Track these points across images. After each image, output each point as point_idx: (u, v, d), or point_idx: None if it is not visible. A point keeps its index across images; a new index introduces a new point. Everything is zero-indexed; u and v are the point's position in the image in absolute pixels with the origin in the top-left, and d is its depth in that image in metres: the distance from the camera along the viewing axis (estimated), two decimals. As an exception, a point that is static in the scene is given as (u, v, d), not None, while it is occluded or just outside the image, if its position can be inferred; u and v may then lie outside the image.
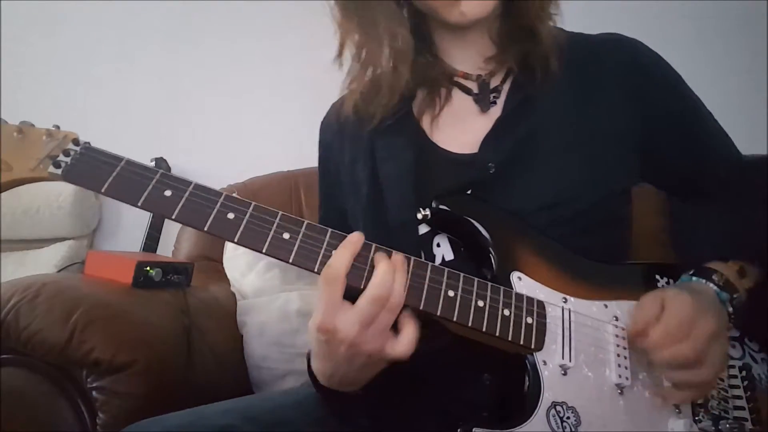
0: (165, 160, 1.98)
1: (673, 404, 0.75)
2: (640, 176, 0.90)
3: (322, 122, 1.00)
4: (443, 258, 0.82)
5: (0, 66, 2.12)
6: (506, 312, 0.71)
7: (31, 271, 1.84)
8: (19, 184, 0.67)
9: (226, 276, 1.57)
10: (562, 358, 0.72)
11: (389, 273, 0.66)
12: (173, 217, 0.66)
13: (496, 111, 0.86)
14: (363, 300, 0.65)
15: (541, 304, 0.74)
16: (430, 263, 0.71)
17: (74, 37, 2.19)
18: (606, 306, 0.78)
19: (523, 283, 0.75)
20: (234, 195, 0.69)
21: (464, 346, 0.73)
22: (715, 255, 0.80)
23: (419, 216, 0.78)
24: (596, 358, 0.74)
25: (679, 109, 0.87)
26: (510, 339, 0.71)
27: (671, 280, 0.83)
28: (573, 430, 0.70)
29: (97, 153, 0.68)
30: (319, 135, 1.00)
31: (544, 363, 0.72)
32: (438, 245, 0.82)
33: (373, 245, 0.69)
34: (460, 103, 0.88)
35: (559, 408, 0.71)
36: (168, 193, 0.67)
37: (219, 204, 0.67)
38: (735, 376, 0.79)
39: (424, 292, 0.69)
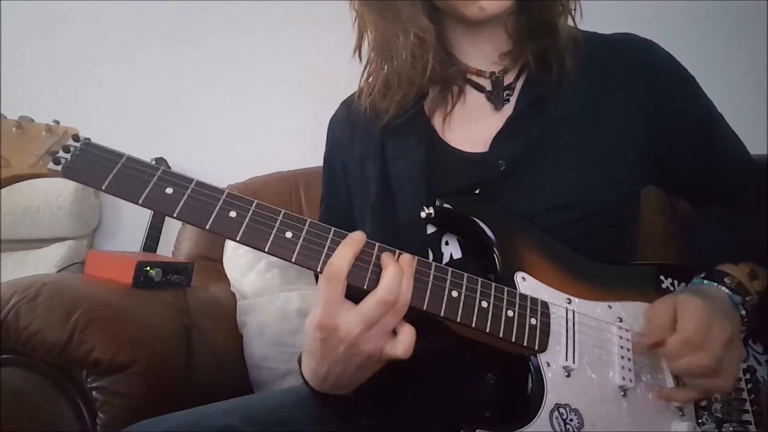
0: (165, 160, 1.97)
1: (676, 406, 0.74)
2: (652, 179, 0.90)
3: (332, 119, 1.00)
4: (451, 256, 0.81)
5: (0, 66, 2.11)
6: (510, 313, 0.71)
7: (31, 271, 1.84)
8: (18, 181, 0.66)
9: (226, 276, 1.57)
10: (566, 359, 0.72)
11: (398, 277, 0.65)
12: (174, 215, 0.65)
13: (508, 109, 0.85)
14: (371, 301, 0.65)
15: (545, 305, 0.74)
16: (434, 263, 0.71)
17: (74, 37, 2.18)
18: (610, 307, 0.77)
19: (527, 284, 0.75)
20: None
21: (467, 346, 0.73)
22: (726, 257, 0.80)
23: (423, 214, 0.78)
24: (600, 360, 0.74)
25: (694, 111, 0.87)
26: (513, 340, 0.71)
27: (675, 281, 0.83)
28: (576, 432, 0.70)
29: (97, 149, 0.67)
30: (328, 131, 0.99)
31: (548, 364, 0.72)
32: (446, 243, 0.82)
33: (377, 244, 0.69)
34: (473, 101, 0.87)
35: (562, 410, 0.70)
36: (169, 190, 0.66)
37: (221, 202, 0.66)
38: (739, 379, 0.79)
39: (428, 292, 0.69)
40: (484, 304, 0.70)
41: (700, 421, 0.75)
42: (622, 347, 0.75)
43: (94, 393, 1.03)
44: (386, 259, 0.67)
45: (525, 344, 0.71)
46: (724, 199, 0.89)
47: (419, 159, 0.84)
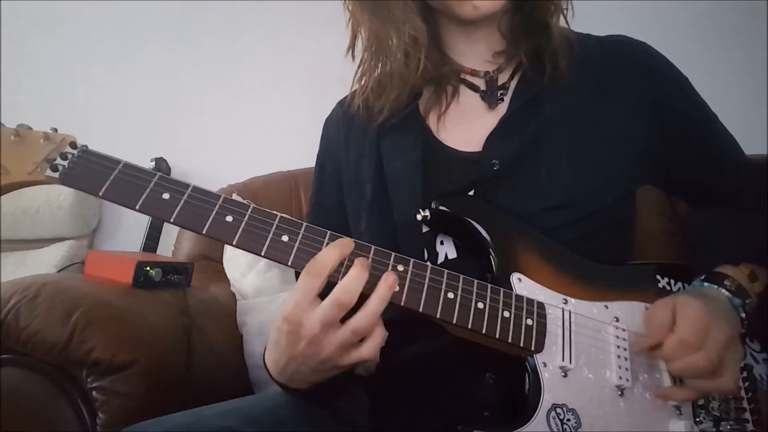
0: (165, 160, 1.98)
1: (673, 405, 0.75)
2: (649, 180, 0.90)
3: (327, 118, 1.00)
4: (446, 256, 0.82)
5: (0, 66, 2.12)
6: (506, 314, 0.71)
7: (31, 271, 1.84)
8: (17, 188, 0.67)
9: (226, 276, 1.57)
10: (563, 359, 0.72)
11: (357, 280, 0.65)
12: (171, 220, 0.66)
13: (502, 108, 0.85)
14: (326, 301, 0.65)
15: (541, 306, 0.74)
16: (430, 264, 0.71)
17: (74, 37, 2.18)
18: (606, 307, 0.78)
19: (523, 285, 0.75)
20: (234, 196, 0.68)
21: (466, 346, 0.73)
22: (726, 258, 0.80)
23: (419, 217, 0.78)
24: (597, 360, 0.74)
25: (692, 111, 0.87)
26: (510, 341, 0.71)
27: (672, 280, 0.83)
28: (573, 432, 0.70)
29: (94, 156, 0.67)
30: (323, 130, 1.00)
31: (544, 365, 0.72)
32: (441, 243, 0.82)
33: (373, 247, 0.69)
34: (467, 100, 0.88)
35: (559, 410, 0.70)
36: (166, 196, 0.66)
37: (217, 207, 0.67)
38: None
39: (424, 294, 0.69)
40: (480, 305, 0.70)
41: (697, 419, 0.75)
42: (618, 347, 0.75)
43: (94, 393, 1.03)
44: (357, 261, 0.66)
45: (521, 345, 0.71)
46: (724, 199, 0.89)
47: (416, 158, 0.84)
